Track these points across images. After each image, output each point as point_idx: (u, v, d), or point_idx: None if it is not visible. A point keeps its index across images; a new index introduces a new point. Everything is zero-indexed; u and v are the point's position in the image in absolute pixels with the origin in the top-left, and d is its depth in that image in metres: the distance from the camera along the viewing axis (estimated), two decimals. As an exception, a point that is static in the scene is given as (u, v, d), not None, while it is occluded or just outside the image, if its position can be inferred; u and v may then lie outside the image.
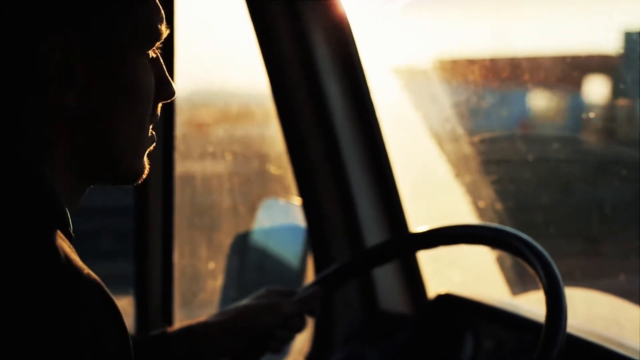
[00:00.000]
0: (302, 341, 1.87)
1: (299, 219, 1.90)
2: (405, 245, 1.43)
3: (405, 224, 1.82)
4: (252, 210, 2.17)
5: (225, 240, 2.14)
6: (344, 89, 1.78)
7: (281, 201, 2.10)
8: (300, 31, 1.75)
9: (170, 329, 1.30)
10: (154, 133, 0.95)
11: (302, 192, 1.85)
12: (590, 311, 1.65)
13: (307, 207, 1.86)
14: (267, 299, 1.33)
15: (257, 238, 2.08)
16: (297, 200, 1.89)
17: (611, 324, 1.64)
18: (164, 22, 0.92)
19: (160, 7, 0.93)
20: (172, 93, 0.95)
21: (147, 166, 0.94)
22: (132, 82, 0.89)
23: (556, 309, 1.16)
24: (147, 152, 0.94)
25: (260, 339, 1.31)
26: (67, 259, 0.79)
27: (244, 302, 1.34)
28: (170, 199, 1.80)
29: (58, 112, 0.86)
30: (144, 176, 0.94)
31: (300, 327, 1.35)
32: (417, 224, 1.82)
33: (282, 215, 2.08)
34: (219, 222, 2.39)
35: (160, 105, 0.95)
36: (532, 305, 1.51)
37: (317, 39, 1.76)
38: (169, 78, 0.95)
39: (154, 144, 0.95)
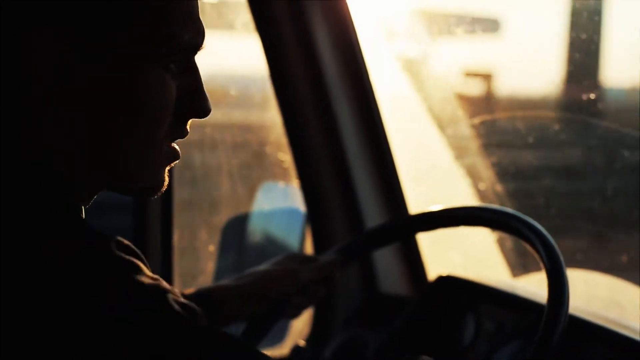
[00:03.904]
0: (302, 324, 1.88)
1: (298, 202, 1.89)
2: (418, 224, 1.43)
3: (405, 207, 1.82)
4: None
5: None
6: (344, 72, 1.78)
7: (280, 184, 2.09)
8: (298, 12, 1.74)
9: (185, 292, 1.29)
10: (176, 148, 0.88)
11: (301, 175, 1.85)
12: (590, 292, 1.65)
13: (306, 190, 1.85)
14: (285, 265, 1.33)
15: (255, 221, 2.08)
16: (296, 184, 1.88)
17: (611, 304, 1.64)
18: (199, 32, 0.85)
19: (196, 16, 0.85)
20: (206, 111, 0.88)
21: (165, 181, 0.88)
22: (139, 93, 0.82)
23: (558, 291, 1.16)
24: (165, 167, 0.88)
25: (277, 305, 1.31)
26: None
27: (262, 267, 1.34)
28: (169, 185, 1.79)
29: (54, 115, 0.81)
30: (161, 191, 0.88)
31: (317, 295, 1.34)
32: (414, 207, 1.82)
33: (281, 198, 2.08)
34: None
35: (189, 121, 0.88)
36: (533, 286, 1.51)
37: (315, 23, 1.75)
38: (204, 93, 0.88)
39: (176, 160, 0.89)
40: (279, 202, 2.08)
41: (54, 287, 0.73)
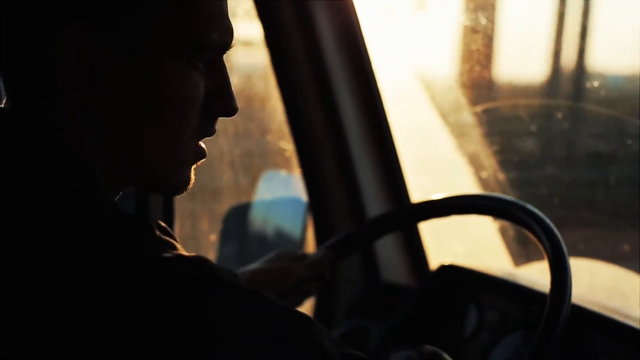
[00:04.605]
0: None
1: (300, 191, 1.89)
2: (414, 214, 1.43)
3: (407, 196, 1.81)
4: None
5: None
6: (346, 63, 1.77)
7: (282, 173, 2.09)
8: (303, 7, 1.73)
9: None
10: (202, 146, 0.88)
11: (304, 165, 1.84)
12: (593, 281, 1.65)
13: (308, 180, 1.85)
14: (277, 263, 1.33)
15: (257, 210, 2.07)
16: (298, 173, 1.88)
17: (615, 294, 1.64)
18: (227, 31, 0.85)
19: (225, 15, 0.85)
20: (232, 109, 0.88)
21: (191, 179, 0.88)
22: (165, 91, 0.82)
23: (561, 280, 1.16)
24: (191, 166, 0.88)
25: None
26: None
27: (255, 265, 1.34)
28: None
29: (83, 111, 0.82)
30: (187, 189, 0.88)
31: (310, 292, 1.35)
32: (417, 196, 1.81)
33: (283, 188, 2.07)
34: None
35: (217, 119, 0.88)
36: (536, 276, 1.51)
37: (317, 11, 1.74)
38: (231, 92, 0.88)
39: (203, 159, 0.89)
40: (281, 191, 2.07)
41: (101, 267, 0.74)
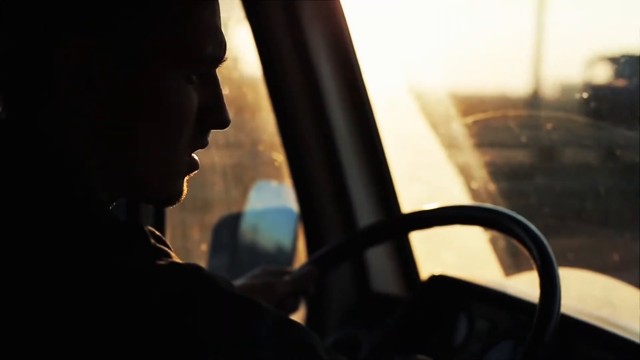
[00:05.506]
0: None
1: (291, 202, 1.89)
2: (399, 225, 1.44)
3: (397, 206, 1.81)
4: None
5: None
6: (337, 73, 1.78)
7: (273, 183, 2.09)
8: (294, 18, 1.74)
9: None
10: (195, 158, 0.89)
11: (295, 174, 1.84)
12: (583, 291, 1.65)
13: (299, 189, 1.85)
14: (261, 279, 1.33)
15: (248, 220, 2.07)
16: (289, 183, 1.88)
17: (604, 303, 1.64)
18: (220, 45, 0.86)
19: (218, 29, 0.86)
20: (225, 122, 0.89)
21: (183, 191, 0.89)
22: (160, 103, 0.83)
23: (550, 290, 1.16)
24: (184, 178, 0.89)
25: None
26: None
27: (238, 282, 1.34)
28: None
29: (79, 120, 0.83)
30: (180, 200, 0.89)
31: (294, 308, 1.35)
32: (409, 206, 1.82)
33: (273, 198, 2.07)
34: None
35: (210, 131, 0.89)
36: (526, 286, 1.51)
37: (308, 22, 1.75)
38: (224, 105, 0.89)
39: (195, 170, 0.90)
40: (272, 202, 2.07)
41: (95, 271, 0.75)
